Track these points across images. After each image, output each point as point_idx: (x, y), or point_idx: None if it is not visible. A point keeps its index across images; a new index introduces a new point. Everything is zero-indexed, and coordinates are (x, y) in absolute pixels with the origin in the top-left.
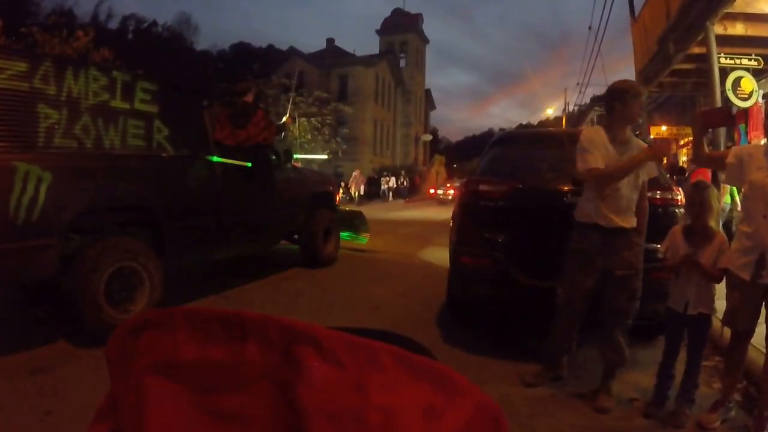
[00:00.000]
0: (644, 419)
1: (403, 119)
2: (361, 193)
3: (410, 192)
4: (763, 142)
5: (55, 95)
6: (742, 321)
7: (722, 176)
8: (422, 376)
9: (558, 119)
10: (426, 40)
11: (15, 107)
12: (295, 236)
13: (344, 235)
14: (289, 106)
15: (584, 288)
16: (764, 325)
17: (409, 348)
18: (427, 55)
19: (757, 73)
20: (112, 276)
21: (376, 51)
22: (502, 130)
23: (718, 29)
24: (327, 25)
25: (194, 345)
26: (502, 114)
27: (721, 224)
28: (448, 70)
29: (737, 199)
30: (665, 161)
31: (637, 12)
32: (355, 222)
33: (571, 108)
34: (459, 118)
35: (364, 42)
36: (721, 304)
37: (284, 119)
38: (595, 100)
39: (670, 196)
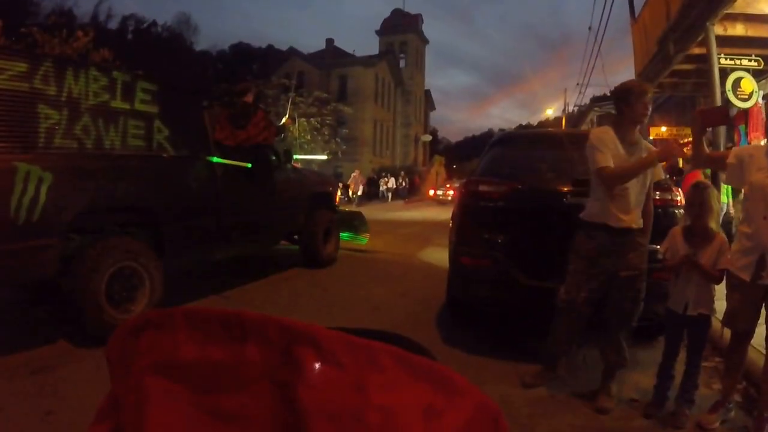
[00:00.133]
0: (644, 420)
1: (402, 120)
2: (360, 193)
3: (410, 192)
4: (763, 142)
5: (56, 96)
6: (742, 322)
7: (723, 176)
8: (422, 377)
9: (558, 120)
10: (426, 41)
11: (15, 108)
12: (295, 237)
13: (344, 235)
14: (289, 106)
15: (588, 290)
16: (764, 326)
17: (409, 348)
18: (426, 55)
19: (757, 74)
20: (112, 276)
21: (376, 51)
22: (501, 130)
23: (718, 30)
24: (326, 26)
25: (194, 345)
26: (502, 114)
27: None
28: (448, 70)
29: (731, 200)
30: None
31: (637, 12)
32: (355, 222)
33: (570, 108)
34: (459, 118)
35: (363, 42)
36: (721, 304)
37: (284, 120)
38: (595, 100)
39: (669, 197)
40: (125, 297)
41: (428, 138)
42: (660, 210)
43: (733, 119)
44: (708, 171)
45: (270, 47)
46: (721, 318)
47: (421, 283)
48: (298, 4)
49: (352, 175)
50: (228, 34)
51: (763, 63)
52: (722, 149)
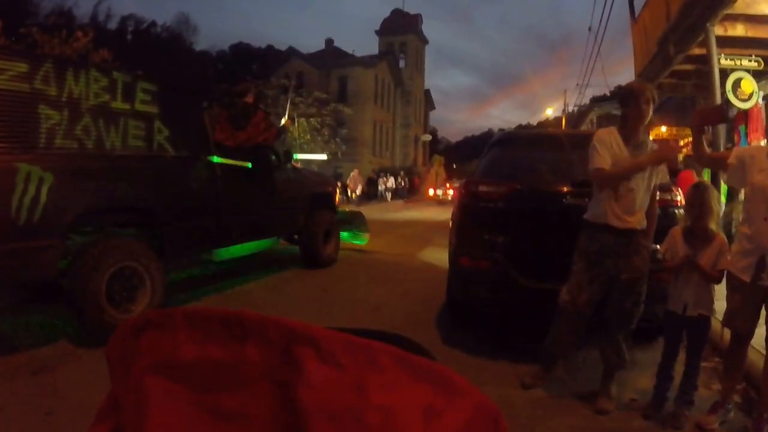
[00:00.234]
0: (643, 420)
1: (402, 120)
2: (358, 193)
3: (409, 192)
4: (763, 143)
5: (56, 96)
6: (742, 323)
7: (723, 177)
8: (422, 377)
9: (558, 120)
10: (425, 41)
11: (16, 108)
12: (295, 237)
13: (344, 235)
14: (288, 106)
15: (590, 291)
16: (764, 327)
17: (409, 349)
18: (426, 55)
19: (757, 75)
20: (113, 276)
21: (376, 52)
22: (501, 130)
23: (718, 30)
24: (326, 26)
25: (194, 345)
26: (502, 115)
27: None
28: (448, 70)
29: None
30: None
31: (637, 13)
32: (355, 222)
33: (570, 109)
34: (458, 118)
35: (363, 42)
36: (720, 305)
37: (284, 121)
38: (595, 101)
39: (669, 198)
40: (126, 297)
41: (428, 138)
42: (660, 210)
43: (733, 119)
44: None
45: (270, 47)
46: (721, 319)
47: (421, 284)
48: (298, 4)
49: (351, 175)
50: (228, 35)
51: (763, 64)
52: (722, 150)
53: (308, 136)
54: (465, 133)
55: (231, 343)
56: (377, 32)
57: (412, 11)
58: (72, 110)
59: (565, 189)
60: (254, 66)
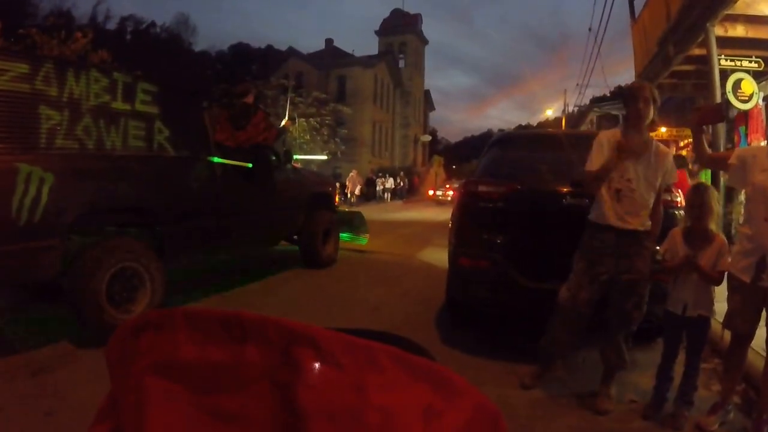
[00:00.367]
0: (643, 421)
1: (401, 120)
2: (357, 193)
3: (409, 193)
4: (763, 144)
5: (57, 97)
6: (742, 323)
7: (725, 177)
8: (421, 377)
9: (557, 120)
10: (425, 41)
11: (17, 109)
12: (295, 237)
13: (344, 236)
14: (288, 106)
15: (590, 290)
16: (764, 328)
17: (408, 349)
18: (426, 56)
19: (757, 75)
20: (113, 276)
21: (375, 52)
22: (501, 130)
23: (718, 31)
24: (326, 26)
25: (194, 345)
26: (502, 115)
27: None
28: (448, 71)
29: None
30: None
31: (637, 13)
32: (355, 223)
33: (570, 109)
34: (458, 119)
35: (363, 43)
36: (720, 306)
37: (284, 122)
38: (595, 101)
39: (669, 198)
40: (126, 297)
41: (427, 138)
42: None
43: (733, 120)
44: (693, 168)
45: (269, 47)
46: (721, 320)
47: (421, 284)
48: (298, 4)
49: (349, 176)
50: (227, 35)
51: (763, 64)
52: (722, 150)
53: (307, 136)
54: (464, 133)
55: (231, 343)
56: (377, 32)
57: (412, 11)
58: (72, 111)
59: (565, 189)
60: (254, 66)
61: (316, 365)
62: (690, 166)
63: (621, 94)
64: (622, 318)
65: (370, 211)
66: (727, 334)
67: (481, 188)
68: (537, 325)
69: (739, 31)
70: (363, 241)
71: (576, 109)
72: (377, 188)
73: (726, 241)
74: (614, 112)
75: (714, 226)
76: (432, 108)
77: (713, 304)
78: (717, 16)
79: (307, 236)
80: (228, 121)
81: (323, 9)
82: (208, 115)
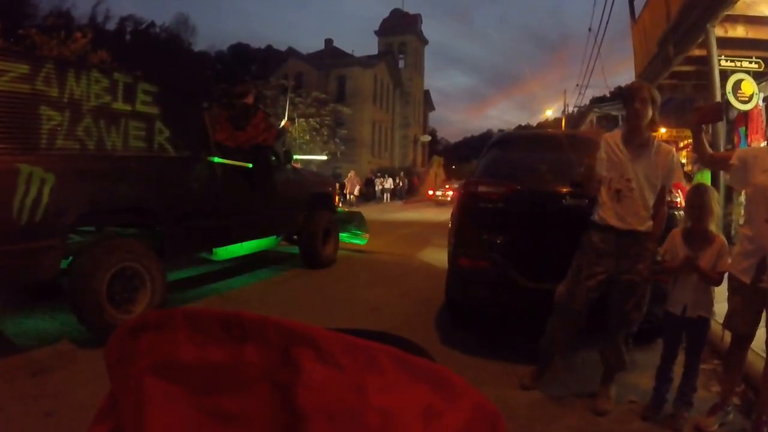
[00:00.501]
0: (642, 422)
1: (401, 120)
2: (356, 193)
3: (408, 193)
4: (763, 144)
5: (58, 97)
6: (742, 324)
7: (726, 177)
8: (421, 378)
9: (557, 120)
10: (425, 41)
11: (18, 109)
12: (295, 237)
13: (344, 236)
14: (287, 107)
15: (588, 289)
16: (764, 329)
17: (408, 349)
18: (425, 56)
19: (757, 76)
20: (114, 277)
21: (375, 52)
22: (501, 131)
23: (718, 31)
24: (325, 26)
25: (194, 346)
26: (501, 115)
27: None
28: (447, 71)
29: None
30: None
31: (637, 13)
32: (355, 223)
33: (570, 109)
34: (458, 119)
35: (362, 43)
36: (720, 307)
37: (283, 122)
38: (595, 101)
39: (669, 199)
40: (126, 298)
41: (427, 139)
42: None
43: (733, 121)
44: (693, 168)
45: (269, 48)
46: (720, 321)
47: (421, 284)
48: (297, 4)
49: (348, 176)
50: (226, 35)
51: (763, 65)
52: (722, 151)
53: (307, 137)
54: (464, 133)
55: (230, 344)
56: (376, 32)
57: (412, 11)
58: (73, 111)
59: (564, 189)
60: (253, 66)
61: (316, 366)
62: (689, 167)
63: (621, 95)
64: (622, 319)
65: (369, 212)
66: (727, 335)
67: (481, 189)
68: (536, 325)
69: (739, 31)
70: (363, 241)
71: (576, 109)
72: (376, 188)
73: (726, 242)
74: (614, 113)
75: (714, 227)
76: (432, 108)
77: (713, 305)
78: (717, 17)
79: (307, 236)
80: (228, 122)
81: (323, 9)
82: (209, 115)
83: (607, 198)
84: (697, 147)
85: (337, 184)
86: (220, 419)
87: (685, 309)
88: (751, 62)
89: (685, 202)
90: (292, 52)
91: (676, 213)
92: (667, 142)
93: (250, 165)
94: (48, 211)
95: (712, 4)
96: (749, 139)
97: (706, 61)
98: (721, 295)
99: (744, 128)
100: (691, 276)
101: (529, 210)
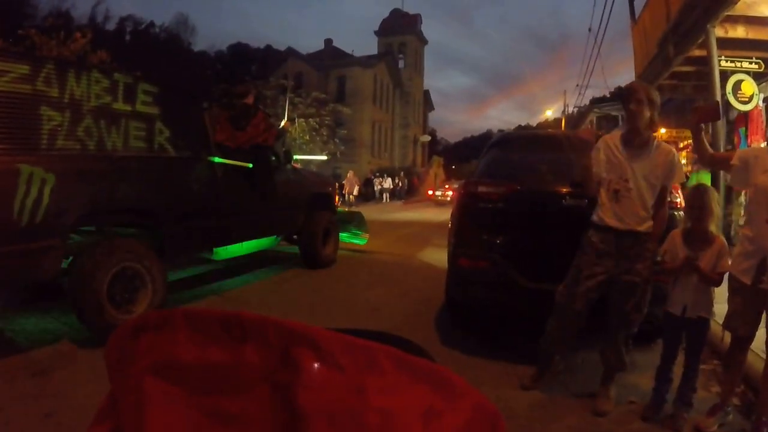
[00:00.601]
0: (642, 422)
1: (401, 121)
2: (355, 194)
3: (408, 193)
4: (763, 145)
5: (58, 98)
6: (742, 325)
7: (725, 178)
8: (421, 378)
9: (557, 121)
10: (425, 42)
11: (18, 110)
12: (295, 237)
13: (343, 236)
14: (287, 107)
15: (587, 288)
16: (764, 330)
17: (408, 350)
18: (425, 56)
19: (757, 77)
20: (114, 277)
21: (375, 52)
22: (500, 131)
23: (718, 32)
24: (325, 26)
25: (194, 346)
26: (501, 116)
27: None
28: (447, 71)
29: None
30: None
31: (637, 14)
32: (355, 223)
33: (570, 110)
34: (457, 119)
35: (362, 43)
36: (720, 308)
37: (282, 123)
38: (595, 101)
39: (669, 199)
40: (127, 298)
41: (427, 139)
42: None
43: (733, 121)
44: (693, 168)
45: (268, 48)
46: (720, 321)
47: (421, 284)
48: (297, 4)
49: (347, 176)
50: (226, 35)
51: (763, 65)
52: (722, 151)
53: (307, 137)
54: (464, 133)
55: (230, 344)
56: (376, 33)
57: (412, 11)
58: (74, 111)
59: (564, 190)
60: (253, 66)
61: (316, 366)
62: (689, 168)
63: (620, 95)
64: (622, 319)
65: (369, 212)
66: (727, 336)
67: (481, 189)
68: (536, 325)
69: (739, 32)
70: (363, 241)
71: (576, 109)
72: (376, 188)
73: (726, 242)
74: (614, 113)
75: (714, 227)
76: (431, 108)
77: (713, 305)
78: (717, 17)
79: (307, 236)
80: (228, 122)
81: (323, 9)
82: (209, 115)
83: (606, 199)
84: (697, 147)
85: (336, 184)
86: (220, 419)
87: (685, 309)
88: (751, 63)
89: (685, 202)
90: (291, 52)
91: (676, 213)
92: (667, 142)
93: (250, 165)
94: (48, 211)
95: (712, 4)
96: (749, 140)
97: (706, 62)
98: (721, 296)
99: (744, 129)
100: (691, 276)
101: (529, 210)
